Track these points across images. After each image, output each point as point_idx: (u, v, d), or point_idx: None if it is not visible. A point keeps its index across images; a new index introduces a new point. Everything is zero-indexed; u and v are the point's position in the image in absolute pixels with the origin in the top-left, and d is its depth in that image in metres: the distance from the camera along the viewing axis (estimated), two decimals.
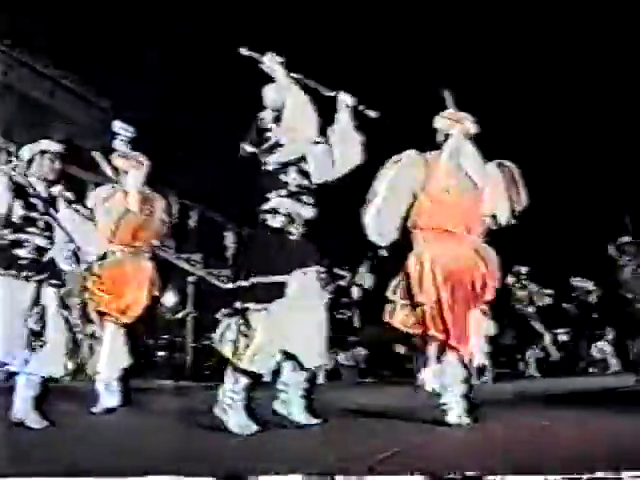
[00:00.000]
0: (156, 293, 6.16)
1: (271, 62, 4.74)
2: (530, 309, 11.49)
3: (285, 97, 4.64)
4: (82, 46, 13.97)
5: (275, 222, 4.59)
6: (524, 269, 11.36)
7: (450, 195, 4.75)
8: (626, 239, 9.23)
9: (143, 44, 14.56)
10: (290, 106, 4.61)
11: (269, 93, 4.80)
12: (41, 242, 5.09)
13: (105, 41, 14.11)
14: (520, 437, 4.04)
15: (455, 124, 4.83)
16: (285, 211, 4.59)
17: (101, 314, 5.88)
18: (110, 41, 14.11)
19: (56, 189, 5.23)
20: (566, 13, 15.54)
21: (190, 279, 12.86)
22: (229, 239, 15.84)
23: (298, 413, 4.61)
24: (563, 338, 13.67)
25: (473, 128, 4.85)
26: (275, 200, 4.61)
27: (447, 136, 4.84)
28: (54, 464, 3.35)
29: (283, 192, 4.62)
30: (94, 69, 14.56)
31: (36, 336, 4.94)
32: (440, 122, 4.91)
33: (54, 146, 5.25)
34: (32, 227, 5.08)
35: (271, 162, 4.65)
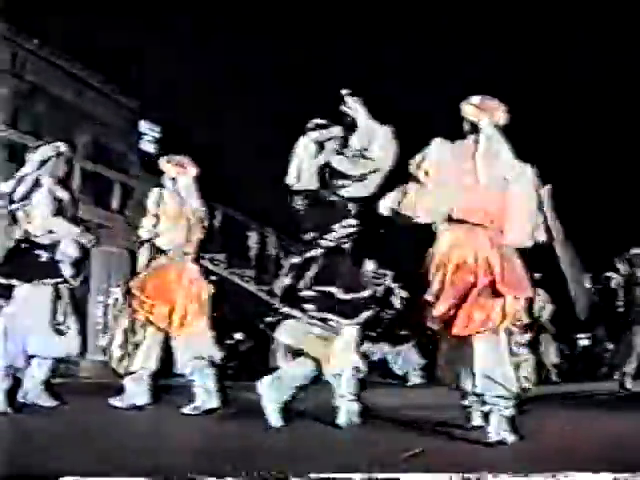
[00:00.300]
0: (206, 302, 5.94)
1: (354, 103, 4.75)
2: (544, 316, 11.41)
3: (372, 137, 4.71)
4: (110, 46, 14.15)
5: (350, 246, 4.75)
6: (537, 275, 11.20)
7: (479, 186, 4.29)
8: (637, 251, 8.83)
9: (170, 44, 14.71)
10: (378, 144, 4.69)
11: (355, 137, 4.78)
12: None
13: (133, 41, 14.27)
14: (541, 438, 4.10)
15: (484, 113, 4.37)
16: (354, 236, 4.76)
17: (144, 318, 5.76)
18: (138, 42, 14.27)
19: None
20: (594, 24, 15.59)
21: (213, 278, 12.97)
22: (252, 239, 15.98)
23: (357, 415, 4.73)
24: (584, 343, 13.63)
25: (504, 118, 4.41)
26: (349, 228, 4.75)
27: (475, 126, 4.38)
28: (82, 461, 3.41)
29: (352, 221, 4.75)
30: (121, 69, 14.73)
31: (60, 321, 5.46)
32: (467, 110, 4.44)
33: (69, 149, 5.72)
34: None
35: (344, 192, 4.74)
